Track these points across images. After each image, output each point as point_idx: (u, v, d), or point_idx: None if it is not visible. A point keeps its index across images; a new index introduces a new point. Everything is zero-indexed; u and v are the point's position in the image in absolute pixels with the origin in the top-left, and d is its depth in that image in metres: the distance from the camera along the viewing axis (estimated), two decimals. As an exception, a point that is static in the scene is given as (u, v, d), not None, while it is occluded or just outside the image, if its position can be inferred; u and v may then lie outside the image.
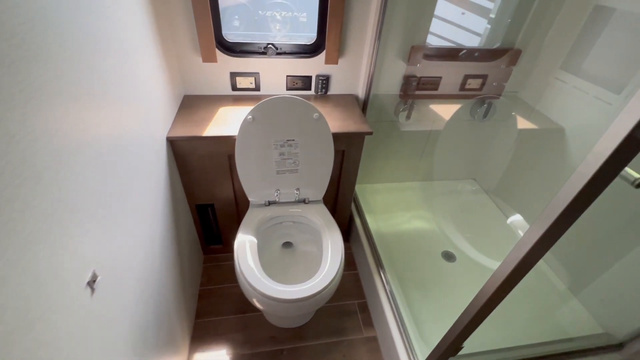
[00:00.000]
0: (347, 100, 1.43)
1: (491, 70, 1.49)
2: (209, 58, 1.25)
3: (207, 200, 1.36)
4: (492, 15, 1.43)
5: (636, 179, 0.43)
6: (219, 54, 1.27)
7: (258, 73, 1.36)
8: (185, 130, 1.14)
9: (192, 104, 1.30)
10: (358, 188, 1.80)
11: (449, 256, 1.55)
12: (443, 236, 1.64)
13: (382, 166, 1.79)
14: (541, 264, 1.45)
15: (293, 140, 1.16)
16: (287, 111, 1.11)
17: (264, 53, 1.31)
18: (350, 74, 1.42)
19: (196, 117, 1.22)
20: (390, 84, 1.48)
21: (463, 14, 1.46)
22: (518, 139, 1.65)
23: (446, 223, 1.71)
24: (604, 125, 1.26)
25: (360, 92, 1.46)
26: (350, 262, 1.64)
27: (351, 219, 1.67)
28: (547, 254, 0.50)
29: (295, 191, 1.27)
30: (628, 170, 0.41)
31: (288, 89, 1.42)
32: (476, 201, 1.86)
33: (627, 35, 1.16)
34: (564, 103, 1.39)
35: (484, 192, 1.89)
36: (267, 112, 1.10)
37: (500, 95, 1.57)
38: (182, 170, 1.22)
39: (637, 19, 1.11)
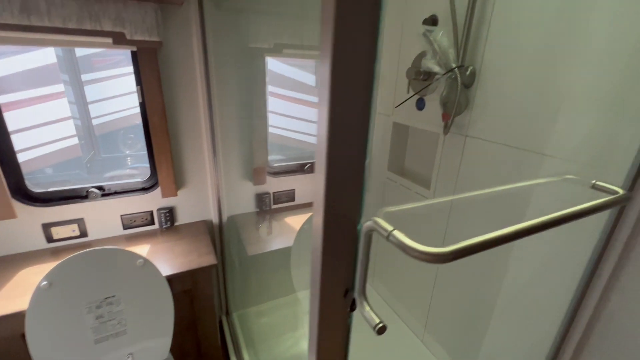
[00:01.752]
0: (197, 229, 1.34)
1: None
2: (4, 214, 1.04)
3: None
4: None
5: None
6: (22, 207, 1.09)
7: (82, 219, 1.19)
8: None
9: (-22, 273, 1.03)
10: (238, 316, 1.59)
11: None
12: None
13: (259, 285, 1.66)
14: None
15: (113, 296, 0.97)
16: (100, 265, 0.94)
17: (86, 197, 1.18)
18: (197, 201, 1.37)
19: (-24, 292, 0.94)
20: (245, 203, 1.47)
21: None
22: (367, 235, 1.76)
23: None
24: (424, 219, 1.42)
25: (213, 217, 1.40)
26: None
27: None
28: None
29: (127, 358, 1.02)
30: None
31: (126, 228, 1.27)
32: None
33: (423, 141, 1.43)
34: (396, 200, 1.57)
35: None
36: (71, 273, 0.91)
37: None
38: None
39: (426, 132, 1.38)
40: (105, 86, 1.38)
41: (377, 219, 0.38)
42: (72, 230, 1.19)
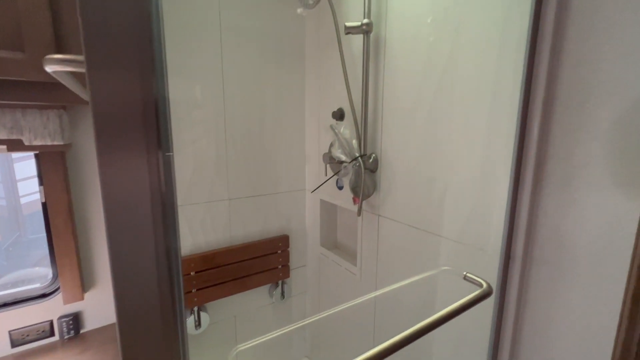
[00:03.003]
0: (107, 335, 1.19)
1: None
2: None
3: None
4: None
5: None
6: None
7: (-45, 342, 1.01)
8: None
9: None
10: None
11: None
12: None
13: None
14: None
15: None
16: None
17: (-35, 315, 1.02)
18: (110, 300, 1.24)
19: None
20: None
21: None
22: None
23: None
24: (353, 293, 1.42)
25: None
26: None
27: None
28: None
29: None
30: None
31: (16, 345, 1.10)
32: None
33: (349, 218, 1.49)
34: (330, 276, 1.56)
35: (315, 371, 1.75)
36: None
37: (288, 275, 1.67)
38: None
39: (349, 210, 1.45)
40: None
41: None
42: (-59, 358, 1.00)
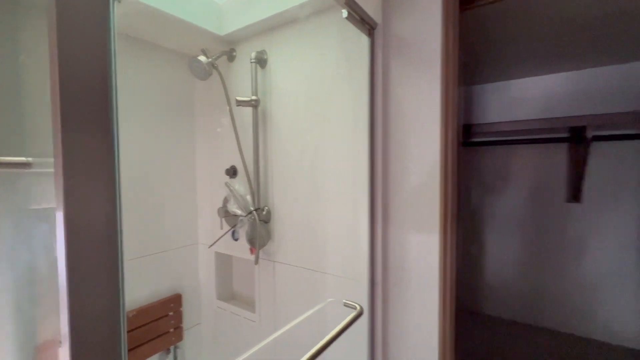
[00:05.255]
0: None
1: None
2: None
3: None
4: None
5: None
6: None
7: None
8: None
9: None
10: None
11: None
12: None
13: None
14: None
15: None
16: None
17: None
18: None
19: None
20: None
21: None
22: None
23: None
24: (254, 341, 1.48)
25: None
26: None
27: None
28: None
29: None
30: None
31: None
32: None
33: (245, 268, 1.56)
34: (228, 329, 1.56)
35: None
36: None
37: (181, 337, 1.58)
38: None
39: (245, 259, 1.53)
40: None
41: None
42: None
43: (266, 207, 1.32)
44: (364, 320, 0.93)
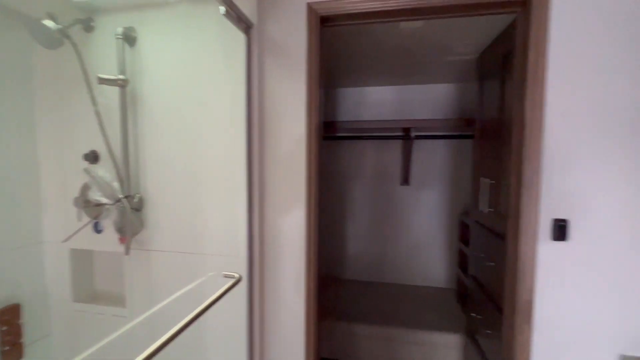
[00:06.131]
0: None
1: None
2: None
3: None
4: None
5: None
6: None
7: None
8: None
9: None
10: None
11: None
12: None
13: None
14: None
15: None
16: None
17: None
18: None
19: None
20: None
21: None
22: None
23: None
24: (124, 336, 1.39)
25: None
26: None
27: None
28: None
29: None
30: None
31: None
32: None
33: (110, 262, 1.42)
34: (91, 332, 1.40)
35: None
36: None
37: (21, 356, 1.32)
38: None
39: (111, 253, 1.39)
40: None
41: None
42: None
43: (137, 195, 1.25)
44: (242, 286, 1.05)
